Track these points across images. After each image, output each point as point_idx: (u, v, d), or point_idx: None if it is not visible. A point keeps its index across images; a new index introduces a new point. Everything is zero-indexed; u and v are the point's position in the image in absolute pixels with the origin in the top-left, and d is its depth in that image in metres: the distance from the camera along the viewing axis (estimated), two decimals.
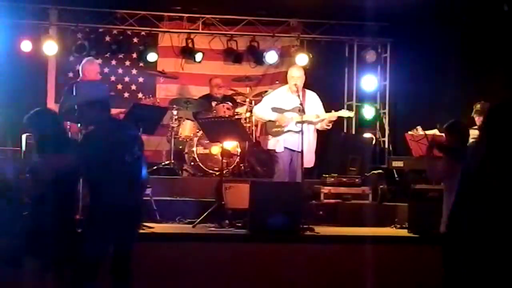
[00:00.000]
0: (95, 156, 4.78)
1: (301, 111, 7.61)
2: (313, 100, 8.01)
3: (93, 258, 4.84)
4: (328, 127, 8.00)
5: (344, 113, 8.16)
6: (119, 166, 4.80)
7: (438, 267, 6.56)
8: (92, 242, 4.82)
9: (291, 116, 7.84)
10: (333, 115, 7.95)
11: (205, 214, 7.24)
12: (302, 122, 7.57)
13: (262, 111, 8.13)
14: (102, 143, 4.85)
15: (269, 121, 8.03)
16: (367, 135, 10.41)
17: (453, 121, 6.11)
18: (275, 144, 7.97)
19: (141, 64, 10.60)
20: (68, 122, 7.99)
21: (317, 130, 7.97)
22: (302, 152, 7.45)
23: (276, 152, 7.94)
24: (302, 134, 7.50)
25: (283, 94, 8.07)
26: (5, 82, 9.34)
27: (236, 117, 9.13)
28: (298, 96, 7.68)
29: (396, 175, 9.07)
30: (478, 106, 8.08)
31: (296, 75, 7.90)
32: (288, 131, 7.86)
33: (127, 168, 4.83)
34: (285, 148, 7.89)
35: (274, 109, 7.98)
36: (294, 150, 7.80)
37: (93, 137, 5.04)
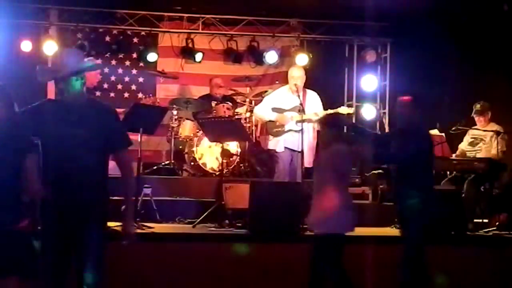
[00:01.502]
0: None
1: (301, 110, 7.63)
2: (313, 100, 8.02)
3: None
4: None
5: (344, 109, 8.15)
6: None
7: (438, 267, 6.58)
8: None
9: (291, 115, 7.85)
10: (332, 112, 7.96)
11: (205, 214, 7.24)
12: (303, 121, 7.58)
13: (263, 111, 8.16)
14: None
15: (270, 121, 8.05)
16: None
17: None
18: (275, 144, 7.99)
19: (141, 64, 10.59)
20: None
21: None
22: (302, 152, 7.47)
23: (277, 152, 7.96)
24: (303, 133, 7.51)
25: (283, 94, 8.09)
26: (5, 82, 9.32)
27: (236, 117, 9.13)
28: (298, 96, 7.69)
29: None
30: (478, 106, 8.10)
31: (296, 75, 7.92)
32: (289, 130, 7.88)
33: None
34: (285, 148, 7.91)
35: (275, 109, 8.00)
36: (294, 150, 7.83)
37: None
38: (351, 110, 8.62)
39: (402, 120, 5.83)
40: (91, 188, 4.10)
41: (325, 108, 8.08)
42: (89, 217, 4.12)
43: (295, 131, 7.81)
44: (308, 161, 7.69)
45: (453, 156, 8.05)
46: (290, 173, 7.90)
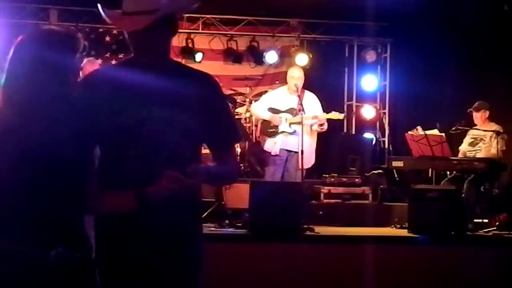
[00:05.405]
0: None
1: (302, 110, 7.62)
2: (312, 101, 8.00)
3: None
4: (322, 130, 7.96)
5: (334, 115, 8.04)
6: None
7: (438, 267, 6.59)
8: None
9: (285, 117, 7.90)
10: (323, 116, 7.89)
11: (205, 214, 7.23)
12: (298, 123, 7.62)
13: (258, 109, 8.21)
14: None
15: (265, 120, 8.11)
16: (367, 135, 10.42)
17: None
18: (272, 145, 8.02)
19: None
20: None
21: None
22: (302, 152, 7.48)
23: (272, 155, 8.00)
24: (302, 134, 7.53)
25: (281, 95, 8.11)
26: None
27: (236, 117, 9.13)
28: (299, 96, 7.70)
29: (396, 175, 9.08)
30: (476, 104, 8.11)
31: (297, 75, 7.92)
32: (282, 132, 7.93)
33: None
34: (281, 149, 7.94)
35: (271, 109, 8.04)
36: (290, 151, 7.86)
37: None
38: (341, 116, 8.33)
39: None
40: (180, 217, 2.58)
41: (324, 109, 8.07)
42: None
43: (289, 133, 7.87)
44: (306, 163, 7.70)
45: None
46: (284, 175, 7.92)
